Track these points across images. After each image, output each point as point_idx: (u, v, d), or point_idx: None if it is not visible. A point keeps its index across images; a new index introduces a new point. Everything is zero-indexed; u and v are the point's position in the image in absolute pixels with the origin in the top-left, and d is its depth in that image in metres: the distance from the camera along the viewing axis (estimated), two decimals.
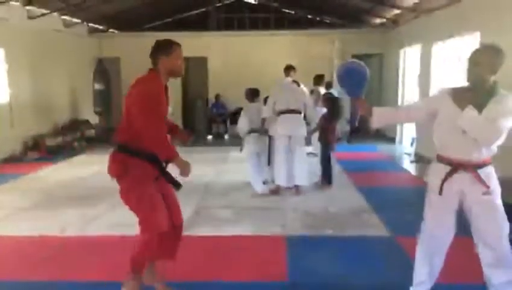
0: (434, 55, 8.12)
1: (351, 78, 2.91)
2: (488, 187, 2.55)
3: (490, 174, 2.59)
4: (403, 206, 5.23)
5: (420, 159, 8.20)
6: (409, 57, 10.10)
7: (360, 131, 2.70)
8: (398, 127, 10.27)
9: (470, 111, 2.46)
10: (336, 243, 4.16)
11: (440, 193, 2.66)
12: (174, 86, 12.78)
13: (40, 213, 5.18)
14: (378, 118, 2.82)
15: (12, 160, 8.46)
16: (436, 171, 2.71)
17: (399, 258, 3.76)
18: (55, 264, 3.75)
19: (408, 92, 10.15)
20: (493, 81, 2.53)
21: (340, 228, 4.52)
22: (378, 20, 12.03)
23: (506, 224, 2.62)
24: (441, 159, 2.69)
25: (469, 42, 6.79)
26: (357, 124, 2.89)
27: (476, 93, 2.52)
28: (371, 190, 6.00)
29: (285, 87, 5.90)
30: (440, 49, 7.96)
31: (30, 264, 3.75)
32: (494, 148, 2.56)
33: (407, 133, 9.87)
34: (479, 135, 2.46)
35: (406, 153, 9.04)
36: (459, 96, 2.55)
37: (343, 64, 3.13)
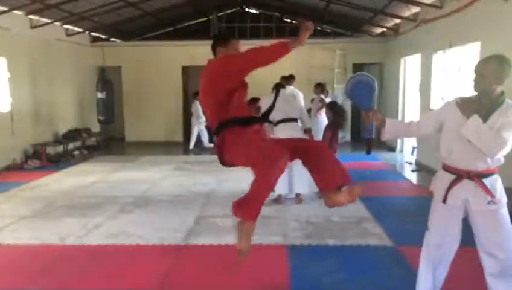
0: (434, 65, 8.14)
1: (361, 91, 2.91)
2: (493, 196, 2.53)
3: (496, 184, 2.57)
4: (404, 216, 5.21)
5: (421, 168, 8.19)
6: (409, 67, 10.13)
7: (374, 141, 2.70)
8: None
9: (475, 120, 2.46)
10: (338, 252, 4.13)
11: (444, 201, 2.65)
12: (175, 95, 12.86)
13: (40, 222, 5.16)
14: (391, 129, 2.81)
15: (13, 168, 8.46)
16: (441, 180, 2.70)
17: (401, 268, 3.73)
18: (56, 273, 3.74)
19: (408, 101, 10.17)
20: (501, 92, 2.52)
21: (341, 237, 4.50)
22: (378, 30, 12.09)
23: None
24: (446, 168, 2.69)
25: (469, 52, 6.81)
26: (373, 135, 2.87)
27: (482, 103, 2.52)
28: (372, 199, 5.97)
29: (282, 96, 5.92)
30: (440, 59, 7.98)
31: (30, 273, 3.72)
32: (501, 158, 2.54)
33: (408, 142, 9.87)
34: (482, 145, 2.45)
35: (407, 162, 9.03)
36: (466, 106, 2.54)
37: (350, 78, 3.07)
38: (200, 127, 11.17)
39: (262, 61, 2.60)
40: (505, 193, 2.62)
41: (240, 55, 2.60)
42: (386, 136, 2.84)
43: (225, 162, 2.63)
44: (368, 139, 2.88)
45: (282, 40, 2.51)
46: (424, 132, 2.81)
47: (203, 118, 10.90)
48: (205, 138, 11.26)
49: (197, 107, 10.92)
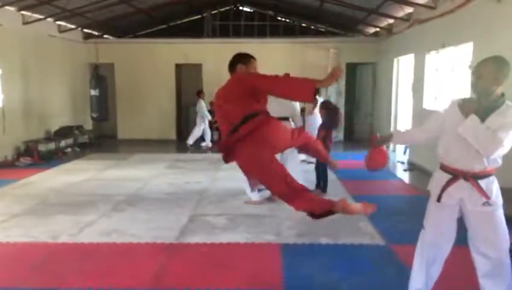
0: (427, 65, 8.20)
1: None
2: (488, 198, 2.55)
3: (492, 185, 2.58)
4: (397, 215, 5.24)
5: (413, 167, 8.24)
6: (403, 66, 10.19)
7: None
8: None
9: (472, 120, 2.48)
10: (331, 251, 4.15)
11: (439, 200, 2.68)
12: (168, 93, 12.82)
13: (32, 220, 5.12)
14: (397, 139, 2.91)
15: (5, 166, 8.38)
16: (438, 180, 2.73)
17: (394, 267, 3.76)
18: (47, 271, 3.71)
19: (401, 100, 10.23)
20: (501, 93, 2.54)
21: (335, 236, 4.51)
22: (372, 30, 12.14)
23: (507, 236, 2.61)
24: (443, 168, 2.71)
25: (462, 52, 6.86)
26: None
27: (481, 104, 2.54)
28: (364, 198, 5.93)
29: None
30: (433, 59, 8.04)
31: (22, 271, 3.70)
32: (498, 159, 2.56)
33: None
34: (478, 144, 2.46)
35: (399, 161, 9.08)
36: (466, 107, 2.57)
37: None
38: (203, 126, 11.07)
39: (284, 96, 2.93)
40: (502, 193, 2.63)
41: (267, 81, 2.78)
42: (394, 143, 2.93)
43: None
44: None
45: (309, 80, 2.66)
46: (431, 136, 2.81)
47: (209, 117, 10.84)
48: (208, 137, 11.18)
49: (202, 106, 10.85)
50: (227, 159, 2.98)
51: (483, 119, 2.48)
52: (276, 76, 2.75)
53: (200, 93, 10.93)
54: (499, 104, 2.51)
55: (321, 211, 2.77)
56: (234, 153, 2.88)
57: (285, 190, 2.77)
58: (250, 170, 2.93)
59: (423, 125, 2.87)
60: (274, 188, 2.90)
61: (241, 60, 3.07)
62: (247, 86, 2.80)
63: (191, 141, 11.10)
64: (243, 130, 2.74)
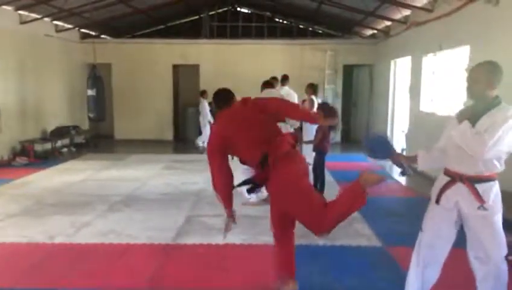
0: (424, 67, 8.22)
1: (377, 147, 3.08)
2: (482, 202, 2.55)
3: (489, 190, 2.57)
4: (394, 217, 5.26)
5: (410, 170, 8.24)
6: (400, 68, 10.22)
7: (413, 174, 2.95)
8: (388, 136, 10.35)
9: (464, 125, 2.51)
10: (328, 252, 4.16)
11: (437, 202, 2.69)
12: (166, 93, 12.81)
13: (28, 220, 5.10)
14: (423, 162, 2.90)
15: (1, 165, 8.33)
16: (438, 182, 2.75)
17: (390, 269, 3.77)
18: (43, 272, 3.70)
19: (398, 102, 10.25)
20: (495, 96, 2.56)
21: (331, 238, 4.49)
22: (369, 32, 12.16)
23: (503, 242, 2.61)
24: (445, 171, 2.73)
25: (459, 55, 6.89)
26: (410, 172, 3.03)
27: (475, 109, 2.57)
28: None
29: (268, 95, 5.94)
30: (430, 62, 8.06)
31: (17, 272, 3.68)
32: (496, 163, 2.55)
33: (397, 143, 9.95)
34: (467, 147, 2.50)
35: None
36: (462, 115, 2.61)
37: (366, 140, 3.33)
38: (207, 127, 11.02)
39: (291, 116, 3.60)
40: (503, 197, 2.62)
41: (273, 103, 3.30)
42: (420, 167, 2.92)
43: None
44: (409, 175, 3.04)
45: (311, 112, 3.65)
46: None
47: (209, 118, 10.80)
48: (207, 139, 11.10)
49: (204, 106, 10.81)
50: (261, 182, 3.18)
51: (475, 121, 2.51)
52: (284, 103, 3.31)
53: (203, 94, 10.89)
54: (492, 106, 2.54)
55: (359, 200, 2.82)
56: (271, 171, 2.95)
57: (319, 206, 2.87)
58: (285, 188, 2.92)
59: (438, 144, 2.87)
60: (306, 208, 2.95)
61: (234, 97, 3.35)
62: (260, 107, 3.12)
63: (200, 141, 11.09)
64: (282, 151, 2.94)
